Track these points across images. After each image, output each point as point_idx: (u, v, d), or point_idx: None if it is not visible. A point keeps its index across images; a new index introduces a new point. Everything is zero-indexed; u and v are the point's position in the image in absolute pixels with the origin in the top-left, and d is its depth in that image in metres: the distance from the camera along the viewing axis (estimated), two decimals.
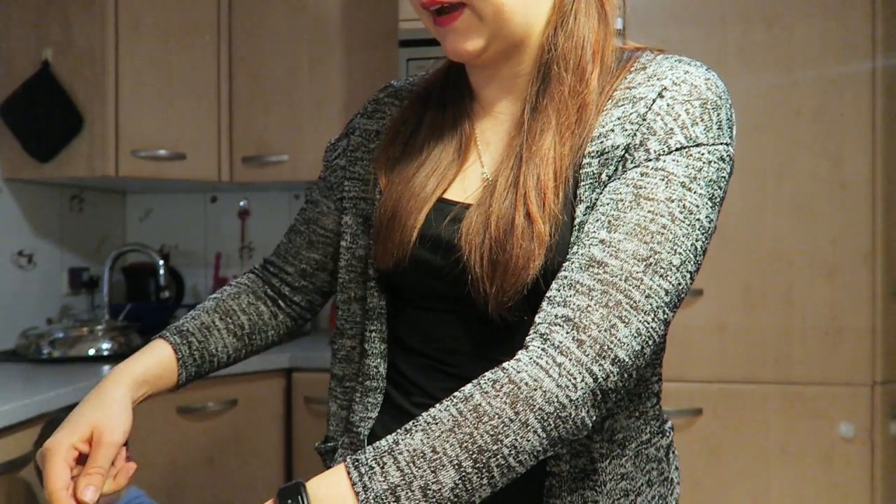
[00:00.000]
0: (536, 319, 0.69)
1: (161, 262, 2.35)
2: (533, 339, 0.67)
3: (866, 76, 1.87)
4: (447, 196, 0.84)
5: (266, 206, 2.86)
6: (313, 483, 0.63)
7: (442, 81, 0.91)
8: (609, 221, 0.70)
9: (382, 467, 0.61)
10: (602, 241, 0.69)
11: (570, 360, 0.64)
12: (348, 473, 0.62)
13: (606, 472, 0.79)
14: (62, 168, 2.26)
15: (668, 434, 0.88)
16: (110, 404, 0.80)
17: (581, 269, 0.68)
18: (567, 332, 0.65)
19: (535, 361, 0.65)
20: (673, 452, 0.89)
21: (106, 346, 2.15)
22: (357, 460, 0.63)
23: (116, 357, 2.14)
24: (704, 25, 1.93)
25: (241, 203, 2.85)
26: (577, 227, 0.75)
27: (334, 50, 2.44)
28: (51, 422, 1.55)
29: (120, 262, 2.66)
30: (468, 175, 0.85)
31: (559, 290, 0.69)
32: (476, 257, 0.76)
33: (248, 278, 1.04)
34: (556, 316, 0.67)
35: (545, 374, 0.64)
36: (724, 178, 0.74)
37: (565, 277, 0.69)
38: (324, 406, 2.17)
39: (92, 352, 2.13)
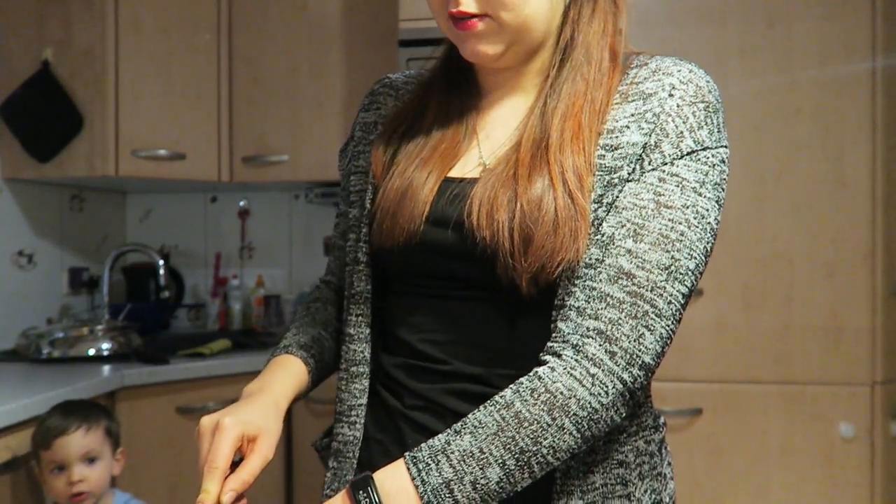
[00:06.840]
0: (564, 328, 0.74)
1: (161, 262, 2.35)
2: (564, 348, 0.74)
3: (866, 76, 1.87)
4: (450, 175, 0.86)
5: (266, 206, 2.86)
6: (379, 476, 0.72)
7: (444, 73, 0.93)
8: (634, 231, 0.75)
9: (437, 464, 0.71)
10: (629, 252, 0.74)
11: (603, 370, 0.71)
12: (408, 469, 0.71)
13: (604, 456, 0.80)
14: (62, 168, 2.26)
15: (661, 429, 0.89)
16: (276, 424, 0.82)
17: (610, 280, 0.74)
18: (600, 345, 0.72)
19: (569, 373, 0.72)
20: (665, 448, 0.89)
21: (106, 346, 2.15)
22: (415, 457, 0.72)
23: (116, 357, 2.14)
24: (704, 25, 1.93)
25: (241, 203, 2.85)
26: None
27: (334, 50, 2.44)
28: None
29: (120, 262, 2.66)
30: (468, 159, 0.87)
31: (589, 302, 0.74)
32: (504, 234, 0.76)
33: (321, 291, 1.05)
34: (587, 328, 0.73)
35: (579, 384, 0.71)
36: (725, 179, 0.80)
37: (594, 289, 0.74)
38: (324, 406, 2.18)
39: (92, 352, 2.12)
